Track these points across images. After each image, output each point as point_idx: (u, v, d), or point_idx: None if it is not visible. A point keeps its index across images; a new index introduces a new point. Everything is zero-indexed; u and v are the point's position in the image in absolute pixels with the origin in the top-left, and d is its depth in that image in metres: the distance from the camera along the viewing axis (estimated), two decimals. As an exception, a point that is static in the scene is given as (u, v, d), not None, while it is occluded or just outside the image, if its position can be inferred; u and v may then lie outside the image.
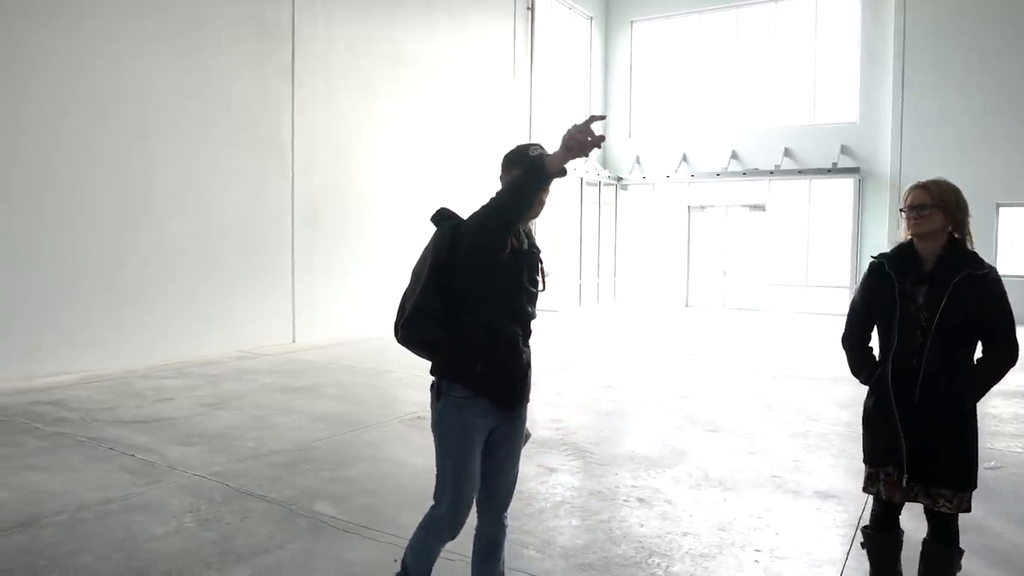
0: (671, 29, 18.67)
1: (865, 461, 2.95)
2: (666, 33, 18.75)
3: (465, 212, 2.61)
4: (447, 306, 2.54)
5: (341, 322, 11.30)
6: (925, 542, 2.89)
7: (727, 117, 17.89)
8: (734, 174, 17.29)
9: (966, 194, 2.85)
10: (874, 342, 2.97)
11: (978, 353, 2.79)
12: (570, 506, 4.30)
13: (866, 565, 3.07)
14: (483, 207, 2.45)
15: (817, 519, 4.15)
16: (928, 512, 2.86)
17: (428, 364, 2.63)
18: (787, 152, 16.82)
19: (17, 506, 4.18)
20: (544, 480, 4.72)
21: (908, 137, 15.40)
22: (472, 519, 2.68)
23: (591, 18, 18.73)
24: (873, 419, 2.89)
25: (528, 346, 2.69)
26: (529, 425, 2.84)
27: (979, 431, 2.82)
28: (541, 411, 6.54)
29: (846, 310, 3.18)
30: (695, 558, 3.58)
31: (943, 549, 2.83)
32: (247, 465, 4.99)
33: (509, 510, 2.75)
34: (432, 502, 2.62)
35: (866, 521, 3.10)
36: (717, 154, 17.58)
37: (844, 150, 16.24)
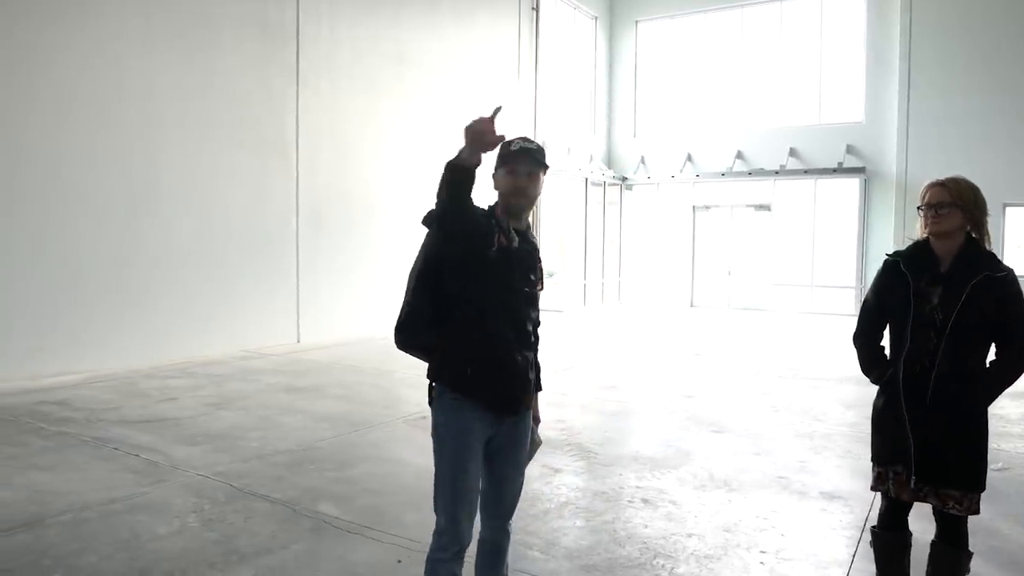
0: (676, 29, 18.62)
1: (874, 460, 2.93)
2: (671, 33, 18.71)
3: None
4: (439, 308, 2.51)
5: (345, 322, 11.30)
6: (933, 544, 2.87)
7: (732, 117, 17.84)
8: (739, 174, 17.24)
9: None
10: (884, 341, 2.95)
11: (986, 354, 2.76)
12: (574, 507, 4.29)
13: (872, 567, 3.05)
14: None
15: (823, 520, 4.12)
16: (937, 513, 2.83)
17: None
18: (792, 152, 16.76)
19: (22, 505, 4.18)
20: (548, 480, 4.70)
21: (914, 137, 15.33)
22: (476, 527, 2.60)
23: (596, 18, 18.70)
24: (883, 419, 2.86)
25: (529, 349, 2.61)
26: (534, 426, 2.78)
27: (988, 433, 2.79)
28: (545, 411, 6.49)
29: (852, 310, 3.16)
30: (700, 559, 3.57)
31: (952, 551, 2.81)
32: (251, 465, 4.98)
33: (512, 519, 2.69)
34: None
35: (873, 522, 3.08)
36: (722, 154, 17.53)
37: (850, 150, 16.17)
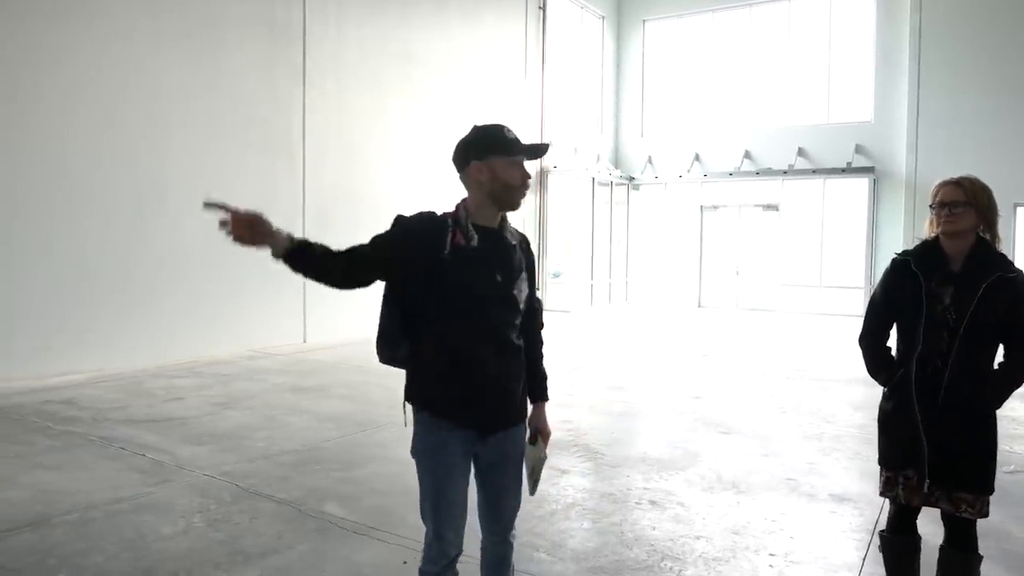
0: (683, 28, 18.57)
1: (882, 465, 2.89)
2: (678, 32, 18.66)
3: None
4: (407, 325, 2.35)
5: (351, 322, 11.25)
6: (942, 548, 2.83)
7: (740, 116, 17.78)
8: (747, 174, 17.18)
9: None
10: (890, 342, 2.90)
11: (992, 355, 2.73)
12: (581, 508, 4.26)
13: (882, 571, 3.01)
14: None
15: (832, 523, 4.08)
16: (946, 517, 2.80)
17: None
18: (801, 151, 16.69)
19: (28, 505, 4.18)
20: (555, 482, 4.68)
21: (924, 137, 15.24)
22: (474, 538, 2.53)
23: (603, 17, 18.66)
24: (893, 422, 2.82)
25: (512, 356, 2.38)
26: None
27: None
28: (552, 412, 6.45)
29: (861, 311, 3.11)
30: (708, 562, 3.53)
31: (962, 555, 2.77)
32: (257, 465, 4.97)
33: (517, 520, 2.57)
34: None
35: (882, 525, 3.04)
36: (730, 154, 17.46)
37: (859, 149, 16.09)
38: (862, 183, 16.12)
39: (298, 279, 9.03)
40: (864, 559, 3.59)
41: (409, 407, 2.41)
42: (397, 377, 2.46)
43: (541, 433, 2.55)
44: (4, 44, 7.50)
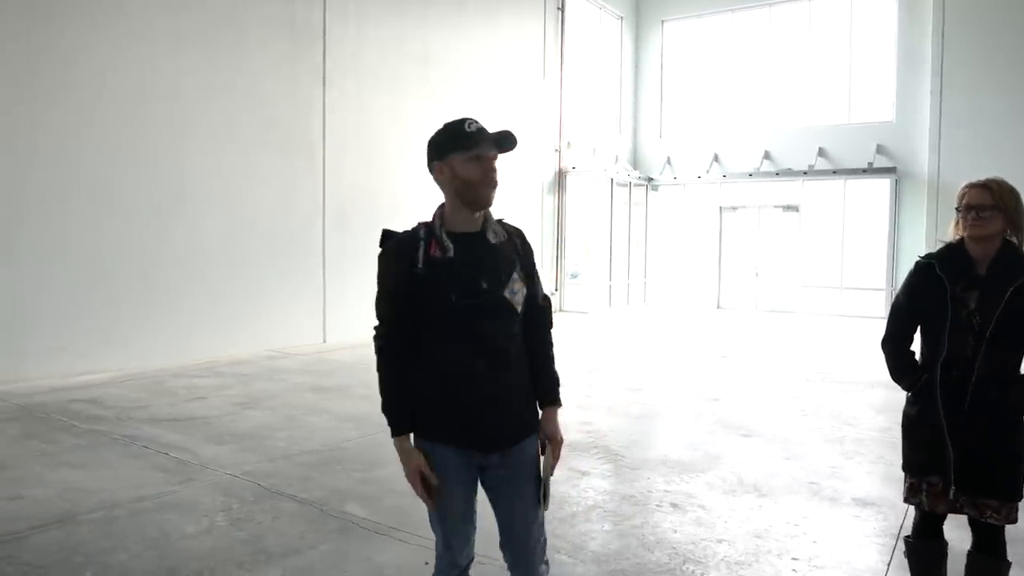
0: (702, 28, 18.47)
1: (906, 471, 2.86)
2: (697, 32, 18.57)
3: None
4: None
5: (371, 322, 11.31)
6: (970, 554, 2.80)
7: (760, 116, 17.66)
8: (767, 174, 17.06)
9: None
10: (914, 346, 2.87)
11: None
12: (602, 510, 4.25)
13: (908, 577, 2.98)
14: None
15: (856, 527, 4.05)
16: (973, 523, 2.76)
17: None
18: (821, 152, 16.55)
19: (54, 502, 4.23)
20: (575, 484, 4.67)
21: (947, 136, 15.04)
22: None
23: (621, 18, 18.60)
24: (917, 427, 2.79)
25: (505, 369, 2.21)
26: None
27: None
28: (571, 413, 6.47)
29: (882, 313, 3.08)
30: (731, 566, 3.51)
31: (990, 561, 2.74)
32: (278, 465, 5.00)
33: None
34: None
35: (907, 531, 3.01)
36: (749, 154, 17.35)
37: (880, 150, 15.93)
38: (883, 184, 15.95)
39: (318, 279, 9.02)
40: (889, 564, 3.55)
41: None
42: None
43: (550, 441, 2.31)
44: (22, 44, 7.56)
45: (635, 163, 18.92)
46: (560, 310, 15.72)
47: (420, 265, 2.15)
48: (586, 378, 8.29)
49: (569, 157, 16.06)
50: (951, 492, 2.67)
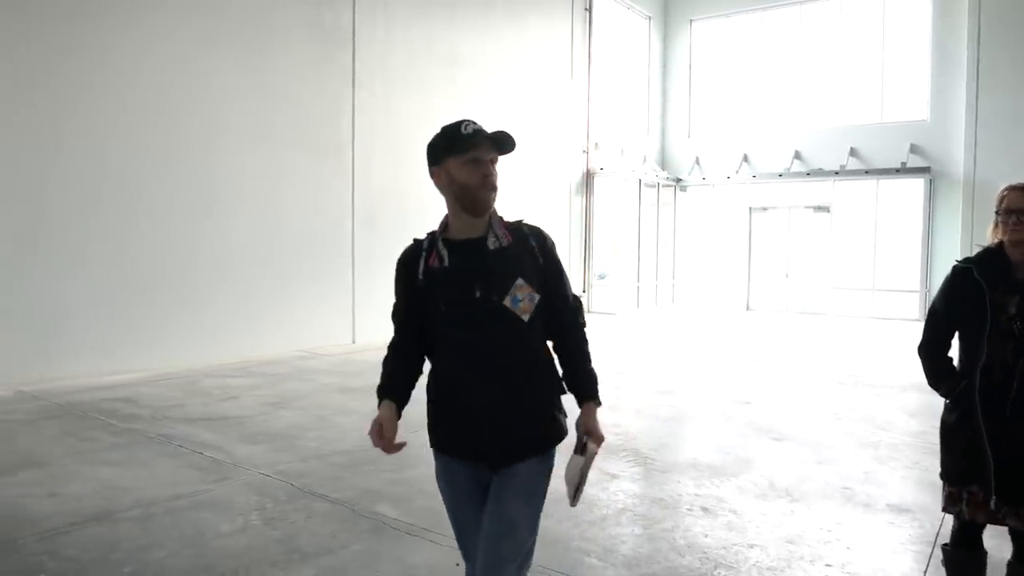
0: (731, 27, 18.33)
1: (944, 479, 2.81)
2: (726, 31, 18.43)
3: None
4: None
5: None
6: (1010, 564, 2.76)
7: (790, 116, 17.47)
8: (797, 174, 16.88)
9: None
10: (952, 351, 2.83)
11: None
12: (632, 514, 4.24)
13: (946, 585, 2.94)
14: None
15: (891, 534, 3.99)
16: (1014, 533, 2.72)
17: None
18: (853, 152, 16.33)
19: (92, 499, 4.31)
20: (605, 486, 4.66)
21: (983, 136, 14.74)
22: None
23: (649, 18, 18.52)
24: (956, 435, 2.74)
25: (510, 381, 2.13)
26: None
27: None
28: (600, 415, 6.45)
29: (916, 315, 3.04)
30: (763, 571, 3.49)
31: (1031, 572, 2.69)
32: (310, 465, 5.05)
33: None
34: None
35: (944, 538, 2.97)
36: (779, 154, 17.18)
37: (914, 149, 15.67)
38: (917, 184, 15.70)
39: (347, 280, 9.06)
40: (925, 573, 3.50)
41: None
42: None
43: (590, 436, 2.18)
44: (47, 44, 7.64)
45: (663, 164, 18.82)
46: (588, 311, 15.69)
47: (420, 277, 2.17)
48: (614, 380, 8.26)
49: (597, 158, 16.02)
50: (992, 502, 2.63)
